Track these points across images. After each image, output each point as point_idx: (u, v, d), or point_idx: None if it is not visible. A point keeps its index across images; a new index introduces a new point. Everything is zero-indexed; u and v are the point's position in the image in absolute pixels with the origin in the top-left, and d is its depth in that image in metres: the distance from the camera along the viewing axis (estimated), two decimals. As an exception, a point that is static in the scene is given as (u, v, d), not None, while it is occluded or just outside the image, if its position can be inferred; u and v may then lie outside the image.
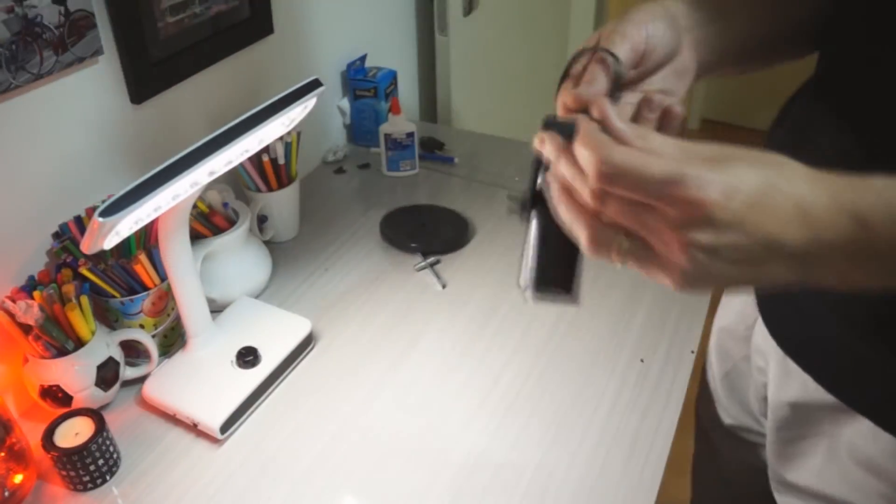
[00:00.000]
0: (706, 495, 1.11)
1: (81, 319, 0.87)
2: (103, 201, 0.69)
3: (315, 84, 0.86)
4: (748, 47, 0.63)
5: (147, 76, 1.01)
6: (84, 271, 0.90)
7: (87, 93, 0.94)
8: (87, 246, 0.70)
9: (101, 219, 0.67)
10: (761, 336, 0.79)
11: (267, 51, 1.25)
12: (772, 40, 0.65)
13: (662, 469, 0.83)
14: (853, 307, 0.62)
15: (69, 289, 0.87)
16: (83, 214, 0.96)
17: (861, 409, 0.65)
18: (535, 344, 1.01)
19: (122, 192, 0.69)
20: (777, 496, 0.80)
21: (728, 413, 0.94)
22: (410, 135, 1.38)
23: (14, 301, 0.83)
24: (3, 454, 0.80)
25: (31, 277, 0.89)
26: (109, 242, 0.72)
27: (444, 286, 1.13)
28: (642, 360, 0.97)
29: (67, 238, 0.94)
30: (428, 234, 1.22)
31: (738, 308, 0.88)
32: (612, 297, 1.09)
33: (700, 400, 0.99)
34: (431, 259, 1.18)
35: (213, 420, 0.87)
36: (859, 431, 0.66)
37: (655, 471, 0.83)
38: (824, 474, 0.72)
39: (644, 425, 0.88)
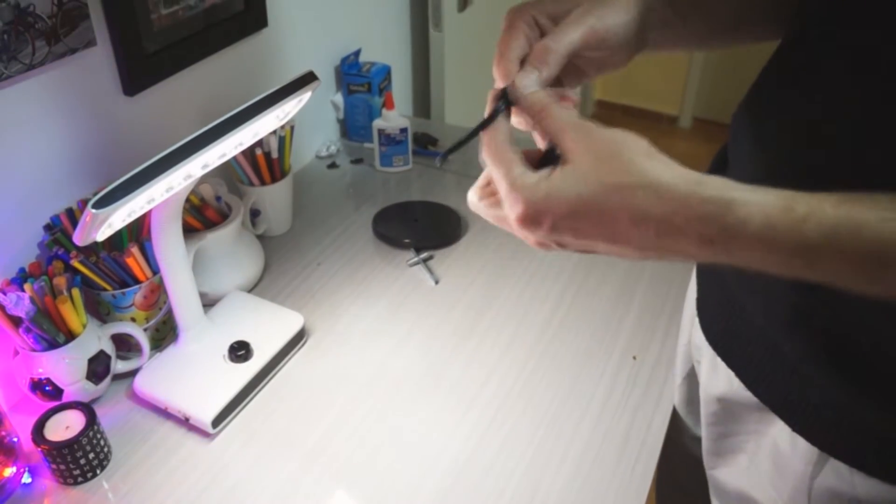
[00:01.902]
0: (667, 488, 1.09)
1: (73, 312, 0.86)
2: (95, 193, 0.68)
3: (309, 77, 0.85)
4: (713, 29, 0.65)
5: (140, 68, 1.00)
6: (76, 264, 0.89)
7: (80, 84, 0.94)
8: (80, 238, 0.70)
9: (94, 210, 0.66)
10: (697, 330, 0.77)
11: (261, 44, 1.25)
12: (737, 22, 0.65)
13: (654, 467, 0.84)
14: (772, 300, 0.61)
15: (60, 281, 0.86)
16: (75, 207, 0.95)
17: (776, 408, 0.65)
18: (526, 340, 1.01)
19: (115, 184, 0.68)
20: (713, 498, 0.79)
21: (688, 423, 0.91)
22: (404, 130, 1.37)
23: (4, 293, 0.82)
24: (-8, 447, 0.80)
25: (22, 269, 0.89)
26: (102, 234, 0.71)
27: (436, 282, 1.12)
28: (634, 358, 0.98)
29: (59, 230, 0.93)
30: (420, 229, 1.22)
31: (689, 315, 0.85)
32: (604, 295, 1.09)
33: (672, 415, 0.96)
34: (424, 255, 1.18)
35: (204, 414, 0.87)
36: (781, 432, 0.65)
37: (647, 469, 0.83)
38: (749, 475, 0.71)
39: (636, 423, 0.89)
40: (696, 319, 0.77)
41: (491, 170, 0.51)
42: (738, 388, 0.69)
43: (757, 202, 0.43)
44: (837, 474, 0.61)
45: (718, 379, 0.72)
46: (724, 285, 0.70)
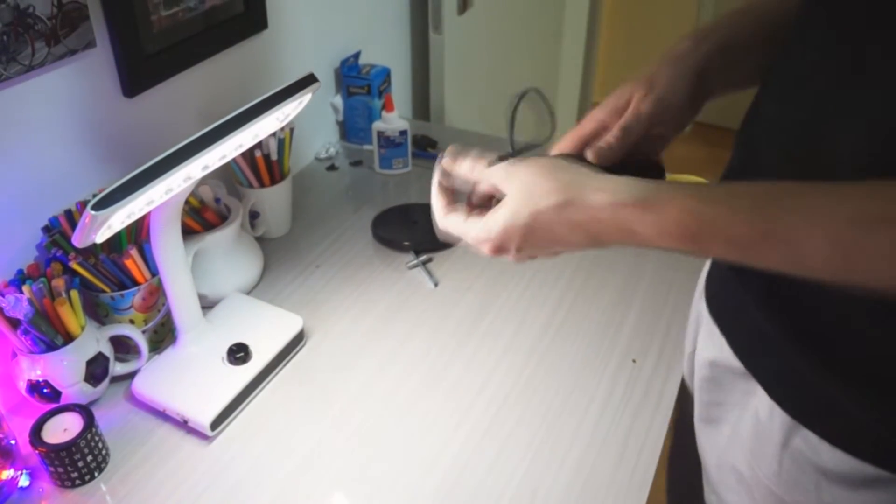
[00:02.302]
0: (675, 491, 1.10)
1: (71, 314, 0.86)
2: (95, 195, 0.68)
3: (310, 79, 0.85)
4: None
5: (140, 70, 1.00)
6: (74, 266, 0.89)
7: (80, 86, 0.94)
8: (79, 239, 0.70)
9: (93, 212, 0.66)
10: (700, 296, 0.83)
11: (261, 46, 1.24)
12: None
13: (653, 470, 0.84)
14: (751, 276, 0.65)
15: (59, 283, 0.86)
16: (74, 208, 0.95)
17: (756, 375, 0.70)
18: (525, 344, 1.01)
19: (114, 186, 0.68)
20: (703, 466, 0.82)
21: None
22: (403, 132, 1.37)
23: (3, 295, 0.82)
24: (-10, 449, 0.79)
25: (20, 271, 0.88)
26: (101, 236, 0.71)
27: (435, 285, 1.12)
28: (634, 361, 0.97)
29: (57, 232, 0.93)
30: (420, 232, 1.22)
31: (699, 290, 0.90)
32: (604, 298, 1.09)
33: (680, 390, 0.99)
34: (423, 257, 1.17)
35: (203, 416, 0.87)
36: (762, 402, 0.69)
37: (646, 472, 0.83)
38: (730, 444, 0.75)
39: (635, 426, 0.89)
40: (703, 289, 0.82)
41: (453, 232, 0.68)
42: (727, 354, 0.73)
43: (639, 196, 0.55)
44: (807, 443, 0.65)
45: (713, 344, 0.77)
46: (722, 277, 0.75)
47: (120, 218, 0.71)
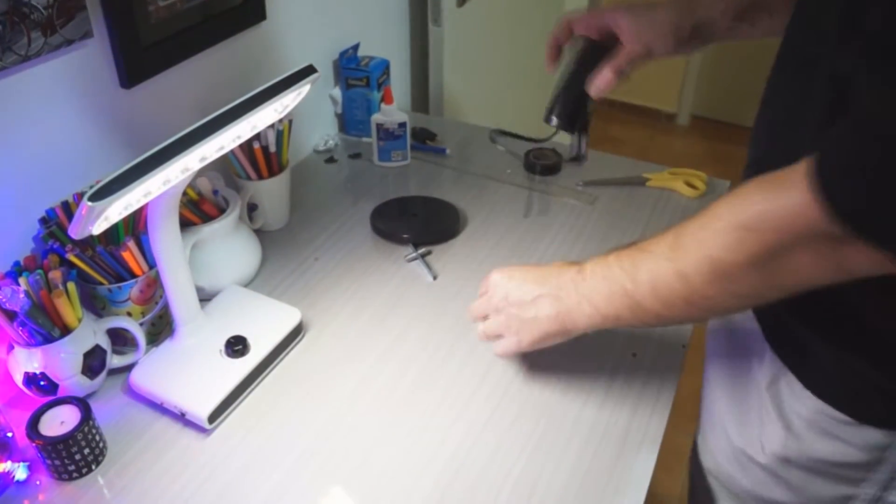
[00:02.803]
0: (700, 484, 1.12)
1: (68, 306, 0.86)
2: (92, 186, 0.67)
3: (309, 70, 0.85)
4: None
5: (137, 60, 0.99)
6: (71, 258, 0.88)
7: (76, 76, 0.93)
8: (76, 231, 0.69)
9: (90, 203, 0.66)
10: None
11: (259, 37, 1.24)
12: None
13: (653, 464, 0.83)
14: None
15: (56, 275, 0.86)
16: (71, 200, 0.94)
17: (760, 322, 0.79)
18: (526, 337, 1.00)
19: (111, 177, 0.67)
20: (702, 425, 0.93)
21: None
22: (402, 125, 1.37)
23: (1, 285, 0.82)
24: (-14, 442, 0.79)
25: (17, 263, 0.88)
26: (98, 228, 0.70)
27: (434, 277, 1.12)
28: (634, 355, 0.97)
29: (54, 223, 0.92)
30: (419, 224, 1.21)
31: None
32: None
33: None
34: (422, 250, 1.17)
35: (201, 409, 0.86)
36: (789, 389, 0.74)
37: (646, 466, 0.83)
38: (737, 407, 0.83)
39: (635, 420, 0.88)
40: None
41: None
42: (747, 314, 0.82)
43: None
44: (790, 389, 0.74)
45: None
46: None
47: (117, 209, 0.70)
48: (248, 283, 1.10)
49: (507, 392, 0.92)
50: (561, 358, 0.97)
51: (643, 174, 1.34)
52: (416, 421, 0.89)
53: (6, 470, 0.81)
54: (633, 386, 0.93)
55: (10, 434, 0.83)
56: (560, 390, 0.92)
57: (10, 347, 0.87)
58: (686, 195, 1.30)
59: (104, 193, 0.66)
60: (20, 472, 0.82)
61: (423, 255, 1.16)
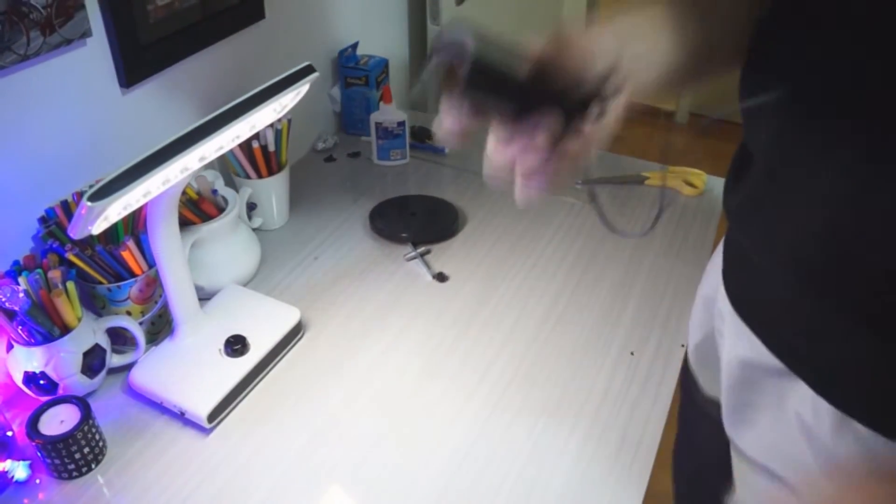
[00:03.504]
0: (682, 476, 1.11)
1: (68, 306, 0.86)
2: (91, 186, 0.67)
3: (308, 70, 0.85)
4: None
5: (136, 59, 0.99)
6: (71, 257, 0.89)
7: (75, 75, 0.93)
8: (75, 231, 0.69)
9: (89, 203, 0.66)
10: (722, 298, 0.79)
11: (258, 36, 1.24)
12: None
13: (651, 462, 0.84)
14: (791, 255, 0.62)
15: (55, 274, 0.86)
16: (70, 199, 0.94)
17: (798, 369, 0.66)
18: (524, 336, 1.01)
19: (111, 176, 0.68)
20: (734, 464, 0.80)
21: (702, 384, 0.92)
22: (401, 124, 1.37)
23: (1, 284, 0.82)
24: (-14, 441, 0.79)
25: (17, 262, 0.88)
26: (98, 227, 0.71)
27: (433, 276, 1.12)
28: (632, 354, 0.97)
29: (54, 223, 0.92)
30: (418, 223, 1.22)
31: (717, 275, 0.85)
32: (602, 291, 1.09)
33: (682, 375, 0.97)
34: (421, 249, 1.17)
35: (200, 409, 0.86)
36: (803, 398, 0.65)
37: (644, 464, 0.83)
38: (771, 442, 0.72)
39: (633, 418, 0.88)
40: (721, 287, 0.78)
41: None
42: (761, 353, 0.70)
43: None
44: (857, 438, 0.61)
45: (742, 344, 0.73)
46: (744, 250, 0.72)
47: (116, 209, 0.70)
48: (248, 283, 1.10)
49: (506, 391, 0.93)
50: (560, 355, 0.97)
51: (642, 172, 1.35)
52: (414, 420, 0.89)
53: (6, 469, 0.81)
54: (632, 384, 0.93)
55: (10, 433, 0.83)
56: (560, 389, 0.93)
57: (10, 346, 0.87)
58: (685, 194, 1.30)
59: (104, 193, 0.66)
60: (21, 471, 0.83)
61: (422, 254, 1.16)
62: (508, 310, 1.05)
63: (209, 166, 0.89)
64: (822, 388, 0.64)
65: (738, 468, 0.78)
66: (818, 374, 0.64)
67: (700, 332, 0.89)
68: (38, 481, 0.82)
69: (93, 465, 0.83)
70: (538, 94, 0.49)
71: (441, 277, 1.11)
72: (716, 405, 0.90)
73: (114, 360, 0.93)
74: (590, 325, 1.02)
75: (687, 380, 0.96)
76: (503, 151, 0.52)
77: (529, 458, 0.84)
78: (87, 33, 0.91)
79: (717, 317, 0.82)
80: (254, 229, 1.16)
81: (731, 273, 0.77)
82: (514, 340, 1.00)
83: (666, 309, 1.05)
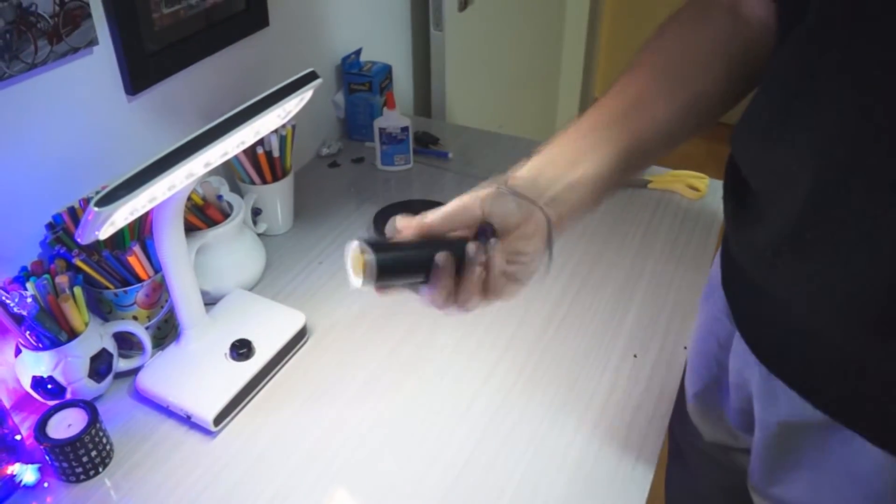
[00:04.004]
0: None
1: (75, 311, 0.87)
2: (97, 192, 0.68)
3: (311, 76, 0.86)
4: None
5: (142, 67, 1.00)
6: (78, 262, 0.90)
7: (82, 83, 0.94)
8: (82, 236, 0.70)
9: (96, 209, 0.66)
10: (741, 354, 0.73)
11: (262, 43, 1.25)
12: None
13: (654, 464, 0.84)
14: (844, 304, 0.56)
15: (63, 280, 0.87)
16: (77, 205, 0.95)
17: (851, 424, 0.61)
18: (527, 339, 1.01)
19: (117, 182, 0.68)
20: None
21: (703, 431, 0.90)
22: (405, 129, 1.38)
23: (7, 291, 0.83)
24: (-5, 445, 0.80)
25: (24, 268, 0.89)
26: (105, 233, 0.71)
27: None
28: (635, 356, 0.98)
29: (61, 228, 0.93)
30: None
31: (708, 326, 0.82)
32: (605, 294, 1.09)
33: (674, 417, 0.92)
34: (425, 253, 1.17)
35: (206, 412, 0.87)
36: (847, 446, 0.62)
37: (647, 466, 0.84)
38: (814, 490, 0.68)
39: (636, 421, 0.89)
40: (736, 336, 0.73)
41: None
42: (800, 409, 0.65)
43: None
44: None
45: (777, 404, 0.68)
46: (774, 300, 0.64)
47: (123, 214, 0.71)
48: (253, 287, 1.11)
49: (510, 394, 0.93)
50: (563, 359, 0.98)
51: (645, 176, 1.35)
52: (420, 422, 0.90)
53: (15, 472, 0.82)
54: (635, 386, 0.93)
55: (18, 437, 0.84)
56: (563, 392, 0.93)
57: (19, 351, 0.88)
58: (688, 197, 1.31)
59: (110, 199, 0.67)
60: (29, 475, 0.83)
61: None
62: (511, 314, 1.06)
63: (214, 172, 0.90)
64: (881, 440, 0.59)
65: None
66: (873, 425, 0.59)
67: (700, 382, 0.85)
68: (46, 485, 0.83)
69: (100, 469, 0.84)
70: (428, 252, 0.60)
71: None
72: (719, 448, 0.88)
73: (120, 364, 0.94)
74: (592, 328, 1.03)
75: (682, 428, 0.92)
76: (435, 301, 0.62)
77: (533, 461, 0.84)
78: (93, 42, 0.92)
79: (734, 371, 0.76)
80: (259, 234, 1.17)
81: (754, 331, 0.70)
82: (517, 344, 1.00)
83: (668, 312, 1.05)
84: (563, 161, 0.64)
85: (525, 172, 0.64)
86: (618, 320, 1.04)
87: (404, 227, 0.62)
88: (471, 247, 0.60)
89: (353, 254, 0.59)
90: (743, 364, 0.73)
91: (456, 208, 0.62)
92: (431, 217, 0.62)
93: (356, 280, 0.60)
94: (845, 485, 0.64)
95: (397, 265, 0.61)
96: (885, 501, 0.61)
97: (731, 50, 0.66)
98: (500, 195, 0.62)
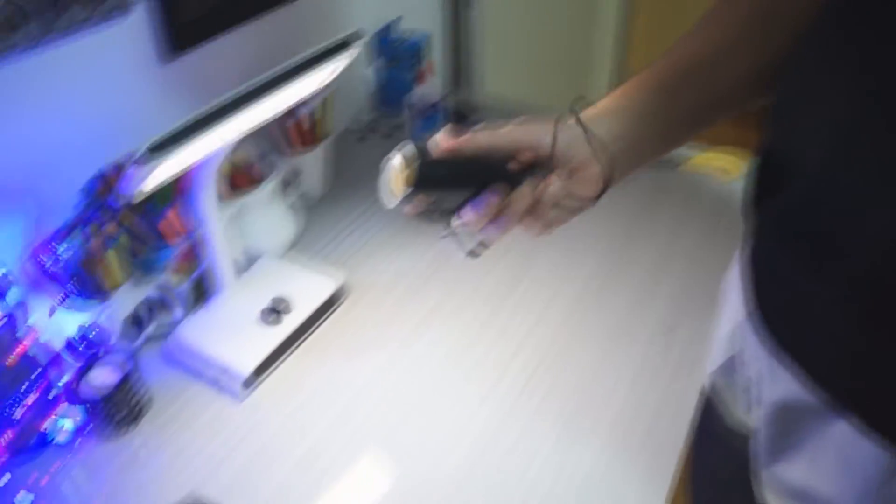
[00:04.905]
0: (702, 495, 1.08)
1: (111, 270, 0.87)
2: (131, 156, 0.68)
3: (354, 36, 0.85)
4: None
5: (178, 34, 1.00)
6: (113, 224, 0.90)
7: (117, 49, 0.94)
8: (126, 187, 0.70)
9: (146, 155, 0.66)
10: (748, 335, 0.72)
11: (298, 12, 1.24)
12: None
13: (682, 445, 0.83)
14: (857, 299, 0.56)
15: (99, 240, 0.87)
16: (118, 164, 0.95)
17: (850, 405, 0.60)
18: (557, 315, 1.01)
19: (167, 133, 0.68)
20: (765, 491, 0.73)
21: (722, 413, 0.85)
22: (438, 101, 1.37)
23: (47, 249, 0.83)
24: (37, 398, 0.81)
25: (63, 227, 0.89)
26: (148, 185, 0.71)
27: (468, 254, 1.12)
28: (667, 334, 0.97)
29: (99, 190, 0.93)
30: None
31: (730, 304, 0.80)
32: (638, 270, 1.08)
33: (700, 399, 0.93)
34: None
35: (238, 373, 0.88)
36: (844, 433, 0.61)
37: (675, 446, 0.83)
38: (810, 473, 0.67)
39: (667, 400, 0.88)
40: (744, 321, 0.72)
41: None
42: (798, 392, 0.64)
43: None
44: None
45: (777, 385, 0.67)
46: (789, 282, 0.64)
47: (170, 167, 0.71)
48: (288, 251, 1.11)
49: (538, 369, 0.93)
50: (594, 336, 0.97)
51: (678, 155, 1.33)
52: (447, 393, 0.90)
53: (51, 425, 0.83)
54: (665, 366, 0.92)
55: (55, 391, 0.84)
56: (592, 369, 0.92)
57: (55, 308, 0.88)
58: (722, 179, 1.29)
59: (161, 148, 0.67)
60: (66, 430, 0.84)
61: (457, 232, 1.16)
62: (542, 289, 1.05)
63: (250, 137, 0.90)
64: (875, 422, 0.58)
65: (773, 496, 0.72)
66: (870, 412, 0.58)
67: (725, 355, 0.81)
68: (79, 440, 0.84)
69: (133, 425, 0.85)
70: (473, 170, 0.61)
71: (475, 254, 1.11)
72: (739, 438, 0.82)
73: (153, 324, 0.95)
74: (625, 304, 1.02)
75: (705, 410, 0.89)
76: (472, 222, 0.65)
77: (559, 439, 0.84)
78: (129, 8, 0.92)
79: (740, 352, 0.75)
80: (293, 200, 1.17)
81: (766, 307, 0.69)
82: (546, 320, 1.00)
83: (701, 289, 1.04)
84: (630, 117, 0.65)
85: (598, 114, 0.64)
86: (650, 296, 1.03)
87: (447, 142, 0.62)
88: (531, 180, 0.61)
89: (394, 171, 0.61)
90: (748, 346, 0.72)
91: (522, 132, 0.62)
92: (484, 136, 0.62)
93: (393, 198, 0.61)
94: (837, 470, 0.63)
95: (443, 177, 0.62)
96: (871, 490, 0.60)
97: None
98: (575, 130, 0.62)
